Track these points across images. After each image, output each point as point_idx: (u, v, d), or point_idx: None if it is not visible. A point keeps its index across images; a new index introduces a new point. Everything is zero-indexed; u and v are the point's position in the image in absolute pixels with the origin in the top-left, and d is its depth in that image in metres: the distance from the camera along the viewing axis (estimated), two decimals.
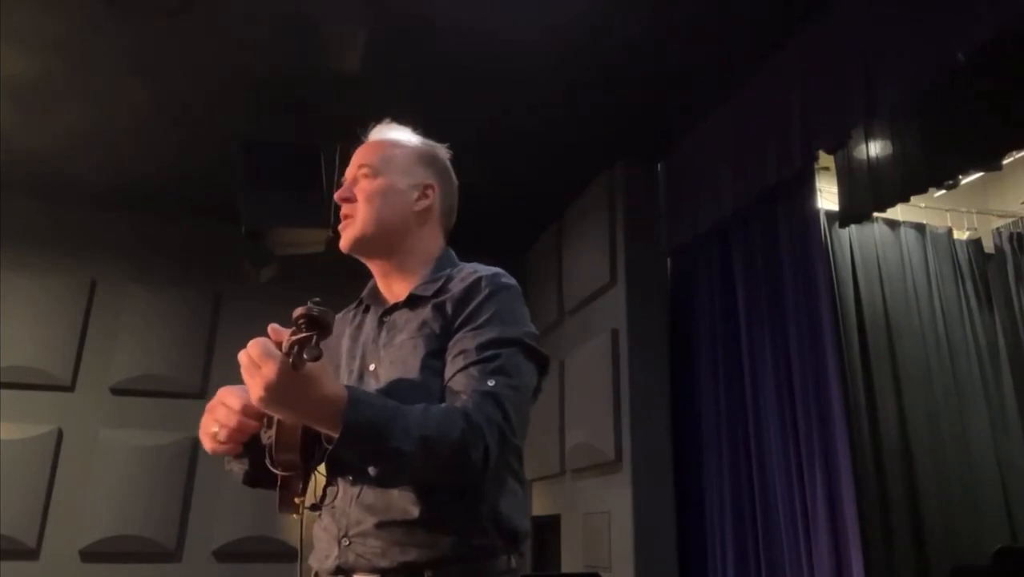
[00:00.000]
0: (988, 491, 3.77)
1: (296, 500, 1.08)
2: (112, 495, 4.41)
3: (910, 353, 3.85)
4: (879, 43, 2.75)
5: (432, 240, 1.40)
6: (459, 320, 1.24)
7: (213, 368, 4.85)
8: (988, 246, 4.38)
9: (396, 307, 1.34)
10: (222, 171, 4.15)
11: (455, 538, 1.14)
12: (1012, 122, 2.89)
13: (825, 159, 3.43)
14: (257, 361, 0.96)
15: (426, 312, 1.27)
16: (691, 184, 3.99)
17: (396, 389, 1.20)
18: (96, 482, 4.42)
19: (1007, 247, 4.31)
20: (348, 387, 1.05)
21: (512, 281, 1.32)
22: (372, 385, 1.26)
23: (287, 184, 3.77)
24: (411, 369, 1.22)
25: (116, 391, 4.65)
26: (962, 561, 3.47)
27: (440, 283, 1.31)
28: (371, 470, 1.15)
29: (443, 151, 1.48)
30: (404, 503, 1.15)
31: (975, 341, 4.09)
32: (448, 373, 1.20)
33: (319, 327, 0.94)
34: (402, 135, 1.47)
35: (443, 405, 1.15)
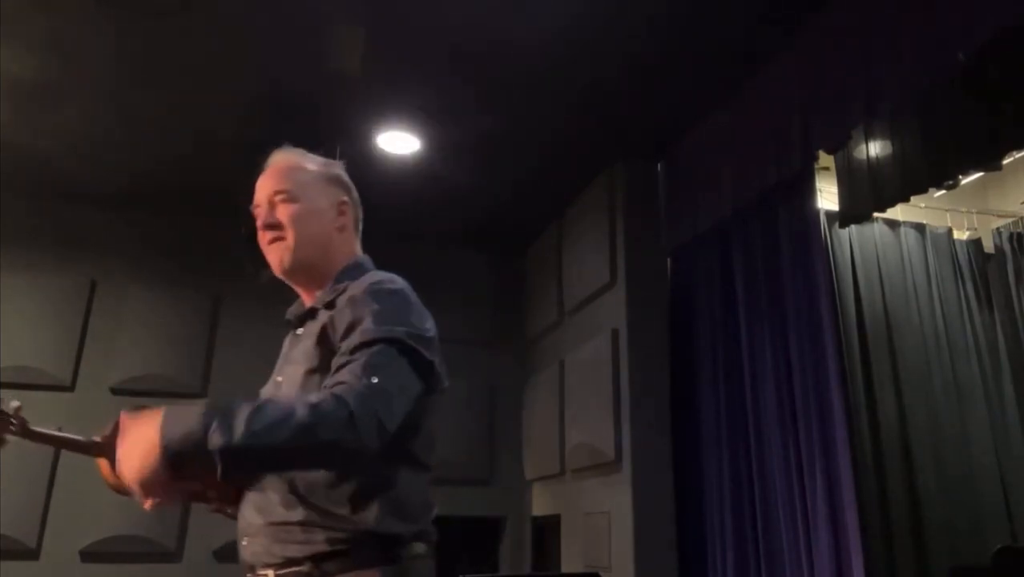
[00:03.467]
0: (988, 491, 3.78)
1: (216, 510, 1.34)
2: (112, 495, 4.39)
3: (910, 353, 3.86)
4: (879, 43, 2.75)
5: (347, 253, 1.47)
6: (340, 332, 1.27)
7: (213, 368, 4.85)
8: (988, 246, 4.39)
9: (302, 320, 1.44)
10: (222, 171, 4.15)
11: (328, 535, 1.21)
12: (1012, 122, 2.89)
13: (825, 159, 3.44)
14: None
15: (316, 326, 1.34)
16: (691, 184, 3.99)
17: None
18: (96, 482, 4.39)
19: (1007, 247, 4.31)
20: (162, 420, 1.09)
21: (396, 286, 1.34)
22: (276, 396, 1.36)
23: None
24: (295, 385, 1.32)
25: (116, 391, 4.64)
26: (962, 561, 3.47)
27: (336, 293, 1.36)
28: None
29: (341, 167, 1.54)
30: (283, 507, 1.24)
31: (975, 341, 4.10)
32: (328, 380, 1.23)
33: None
34: (302, 159, 1.50)
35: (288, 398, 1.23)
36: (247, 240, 4.52)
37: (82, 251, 4.81)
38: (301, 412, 1.07)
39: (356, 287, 1.32)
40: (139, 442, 1.07)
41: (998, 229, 4.39)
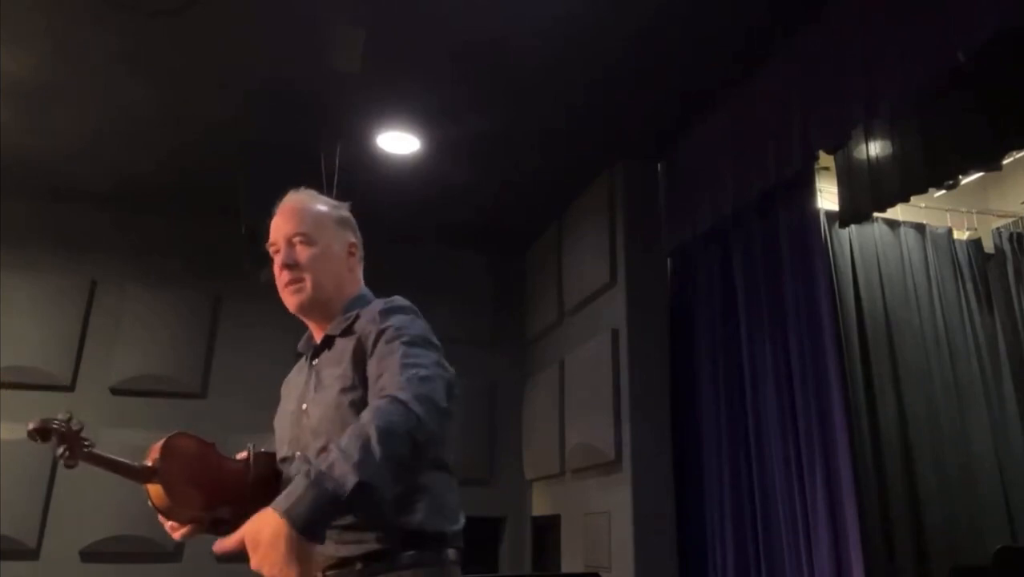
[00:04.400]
0: (988, 491, 3.78)
1: None
2: (112, 495, 4.40)
3: (910, 353, 3.85)
4: (879, 43, 2.75)
5: (354, 288, 1.59)
6: (369, 345, 1.39)
7: (213, 368, 4.85)
8: (988, 246, 4.39)
9: (318, 351, 1.53)
10: (222, 171, 4.15)
11: (379, 535, 1.29)
12: (1012, 122, 2.89)
13: (825, 159, 3.44)
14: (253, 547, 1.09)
15: (340, 352, 1.44)
16: (691, 184, 3.99)
17: (321, 428, 1.39)
18: (96, 482, 4.40)
19: (1007, 247, 4.31)
20: (276, 504, 1.09)
21: (406, 303, 1.48)
22: (304, 421, 1.44)
23: (287, 184, 3.76)
24: (330, 405, 1.39)
25: (116, 391, 4.65)
26: (962, 561, 3.47)
27: (349, 321, 1.48)
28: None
29: (347, 208, 1.66)
30: None
31: (975, 341, 4.09)
32: (371, 390, 1.33)
33: (57, 438, 1.14)
34: (316, 201, 1.61)
35: (357, 424, 1.21)
36: (247, 240, 4.50)
37: (82, 251, 4.81)
38: (371, 426, 1.14)
39: (370, 310, 1.44)
40: (272, 543, 1.07)
41: (998, 229, 4.39)
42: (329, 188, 3.76)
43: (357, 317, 1.47)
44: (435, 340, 1.41)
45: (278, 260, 1.53)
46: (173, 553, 4.47)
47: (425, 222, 5.01)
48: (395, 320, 1.38)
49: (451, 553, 1.36)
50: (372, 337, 1.37)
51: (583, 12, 3.08)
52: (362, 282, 1.63)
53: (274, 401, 1.62)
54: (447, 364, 1.39)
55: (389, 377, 1.26)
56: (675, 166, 4.22)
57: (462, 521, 1.40)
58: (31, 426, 1.15)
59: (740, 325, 3.67)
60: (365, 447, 1.11)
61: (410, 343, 1.33)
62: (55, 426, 1.17)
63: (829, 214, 3.71)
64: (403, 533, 1.30)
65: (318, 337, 1.55)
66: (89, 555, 4.34)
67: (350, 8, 3.08)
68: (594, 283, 4.39)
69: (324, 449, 1.35)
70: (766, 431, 3.41)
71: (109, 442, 5.03)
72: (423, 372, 1.26)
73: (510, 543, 5.19)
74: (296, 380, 1.58)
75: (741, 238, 3.77)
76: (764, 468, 3.40)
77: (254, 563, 1.09)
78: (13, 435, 4.34)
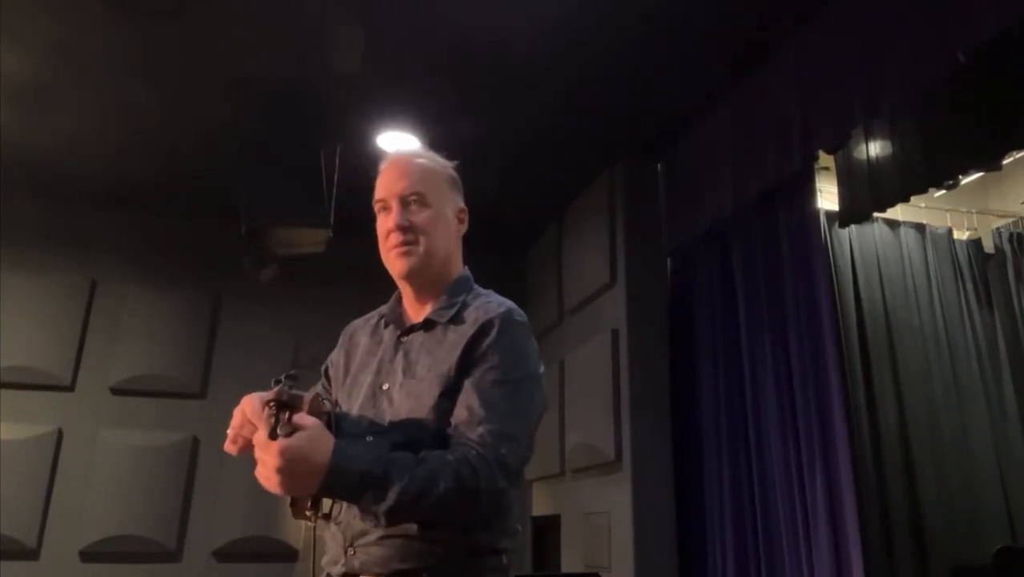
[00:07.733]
0: (988, 491, 3.78)
1: (307, 512, 1.22)
2: (112, 495, 4.41)
3: (910, 353, 3.85)
4: (879, 43, 2.75)
5: (458, 261, 1.50)
6: (471, 361, 1.32)
7: (213, 368, 4.85)
8: (988, 246, 4.39)
9: (413, 328, 1.42)
10: (222, 171, 4.15)
11: (448, 548, 1.25)
12: (1012, 122, 2.89)
13: (825, 159, 3.44)
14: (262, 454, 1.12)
15: (441, 343, 1.36)
16: (691, 184, 3.99)
17: (408, 423, 1.31)
18: (96, 482, 4.42)
19: (1007, 247, 4.31)
20: (330, 462, 1.14)
21: (522, 318, 1.41)
22: (384, 405, 1.35)
23: (287, 184, 3.77)
24: (424, 404, 1.31)
25: (116, 391, 4.65)
26: (962, 561, 3.47)
27: (455, 309, 1.40)
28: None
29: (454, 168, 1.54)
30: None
31: (975, 341, 4.09)
32: (457, 416, 1.28)
33: (288, 408, 1.12)
34: (429, 159, 1.48)
35: (439, 458, 1.22)
36: (247, 240, 4.50)
37: (82, 251, 4.81)
38: (445, 483, 1.17)
39: (485, 310, 1.37)
40: (306, 460, 1.12)
41: (998, 229, 4.39)
42: (329, 188, 3.77)
43: (464, 306, 1.40)
44: (540, 370, 1.39)
45: (388, 220, 1.40)
46: (173, 553, 4.47)
47: None
48: (510, 349, 1.34)
49: (506, 557, 1.35)
50: (482, 349, 1.32)
51: (583, 12, 3.08)
52: (462, 258, 1.52)
53: None
54: (544, 390, 1.40)
55: (479, 434, 1.24)
56: (675, 166, 4.22)
57: (519, 529, 1.40)
58: (269, 397, 1.12)
59: (740, 325, 3.67)
60: (423, 494, 1.15)
61: (516, 391, 1.31)
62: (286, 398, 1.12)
63: (829, 214, 3.71)
64: (471, 548, 1.28)
65: (412, 311, 1.45)
66: (89, 555, 4.34)
67: (350, 8, 3.08)
68: (594, 283, 4.39)
69: (405, 446, 1.28)
70: (766, 431, 3.41)
71: (109, 442, 5.06)
72: (513, 455, 1.26)
73: None
74: (371, 345, 1.47)
75: (741, 238, 3.77)
76: (764, 468, 3.40)
77: (265, 456, 1.10)
78: (13, 435, 4.34)
